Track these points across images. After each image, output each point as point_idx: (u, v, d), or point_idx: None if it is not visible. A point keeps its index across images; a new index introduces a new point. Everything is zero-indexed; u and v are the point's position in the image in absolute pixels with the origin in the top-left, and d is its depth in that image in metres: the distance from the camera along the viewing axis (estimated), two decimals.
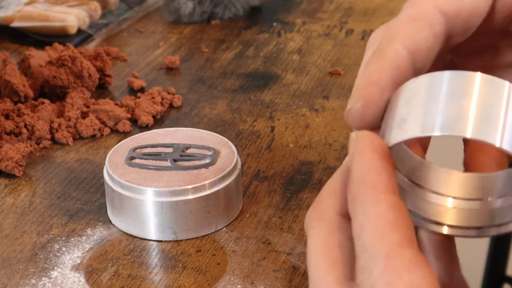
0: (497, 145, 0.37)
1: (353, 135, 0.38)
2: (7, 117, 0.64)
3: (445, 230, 0.39)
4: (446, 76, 0.39)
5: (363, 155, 0.37)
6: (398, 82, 0.40)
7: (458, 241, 0.40)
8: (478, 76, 0.38)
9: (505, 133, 0.37)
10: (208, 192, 0.52)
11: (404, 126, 0.39)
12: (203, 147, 0.55)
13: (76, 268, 0.50)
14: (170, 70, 0.74)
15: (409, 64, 0.40)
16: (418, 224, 0.40)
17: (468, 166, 0.43)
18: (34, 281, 0.49)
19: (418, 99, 0.39)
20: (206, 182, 0.52)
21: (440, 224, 0.40)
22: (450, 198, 0.42)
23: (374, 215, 0.34)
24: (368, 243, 0.33)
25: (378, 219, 0.34)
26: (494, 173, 0.43)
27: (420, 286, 0.32)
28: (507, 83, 0.38)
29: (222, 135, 0.58)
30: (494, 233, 0.40)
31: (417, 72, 0.40)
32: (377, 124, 0.39)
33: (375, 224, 0.34)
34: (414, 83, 0.40)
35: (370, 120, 0.39)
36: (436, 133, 0.38)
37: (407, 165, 0.42)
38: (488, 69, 0.45)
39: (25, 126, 0.64)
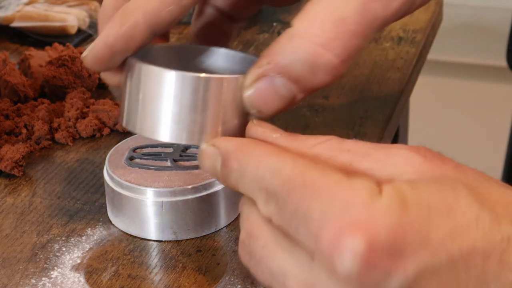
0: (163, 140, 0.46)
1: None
2: (7, 117, 0.64)
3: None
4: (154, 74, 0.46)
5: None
6: (131, 48, 0.46)
7: None
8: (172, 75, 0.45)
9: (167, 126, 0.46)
10: (208, 192, 0.52)
11: (124, 113, 0.47)
12: None
13: (76, 268, 0.50)
14: None
15: (146, 34, 0.46)
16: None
17: None
18: (34, 281, 0.49)
19: (134, 91, 0.47)
20: (206, 182, 0.52)
21: None
22: None
23: None
24: None
25: None
26: None
27: None
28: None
29: None
30: None
31: (154, 34, 0.46)
32: (106, 70, 0.48)
33: None
34: (144, 73, 0.46)
35: (98, 69, 0.48)
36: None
37: None
38: None
39: (25, 126, 0.64)
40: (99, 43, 0.46)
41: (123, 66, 0.48)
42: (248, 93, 0.45)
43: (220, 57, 0.51)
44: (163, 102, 0.46)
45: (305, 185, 0.40)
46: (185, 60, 0.52)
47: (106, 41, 0.46)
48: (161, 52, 0.50)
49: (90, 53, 0.47)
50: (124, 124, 0.48)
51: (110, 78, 0.49)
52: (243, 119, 0.46)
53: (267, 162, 0.42)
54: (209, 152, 0.45)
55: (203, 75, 0.45)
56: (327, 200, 0.39)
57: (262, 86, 0.44)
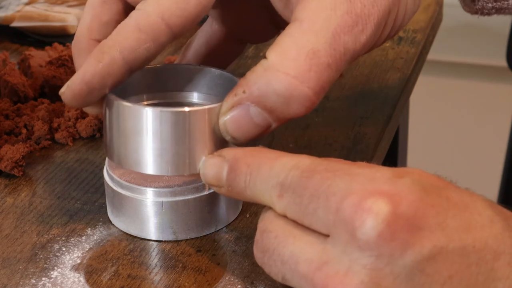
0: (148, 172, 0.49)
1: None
2: (7, 117, 0.64)
3: None
4: (139, 113, 0.47)
5: None
6: (108, 84, 0.47)
7: None
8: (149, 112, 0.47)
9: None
10: (208, 192, 0.52)
11: (107, 146, 0.50)
12: None
13: (76, 268, 0.50)
14: None
15: (123, 70, 0.47)
16: None
17: None
18: (34, 281, 0.49)
19: (115, 129, 0.49)
20: None
21: None
22: None
23: None
24: None
25: None
26: None
27: None
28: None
29: None
30: None
31: (131, 71, 0.47)
32: (85, 106, 0.49)
33: None
34: (123, 111, 0.48)
35: (77, 106, 0.49)
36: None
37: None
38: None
39: (25, 126, 0.64)
40: (76, 80, 0.47)
41: (102, 99, 0.49)
42: (223, 120, 0.47)
43: (198, 75, 0.54)
44: (143, 138, 0.48)
45: (326, 169, 0.41)
46: (164, 81, 0.54)
47: (83, 77, 0.47)
48: (140, 75, 0.52)
49: (68, 90, 0.48)
50: (108, 156, 0.51)
51: (90, 110, 0.50)
52: (224, 145, 0.48)
53: (282, 160, 0.43)
54: (214, 161, 0.46)
55: (179, 109, 0.47)
56: (350, 178, 0.39)
57: (237, 114, 0.46)
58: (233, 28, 0.56)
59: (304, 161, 0.42)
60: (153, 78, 0.54)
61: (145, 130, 0.47)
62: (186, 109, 0.47)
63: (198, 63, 0.56)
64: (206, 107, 0.47)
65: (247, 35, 0.57)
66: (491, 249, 0.38)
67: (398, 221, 0.37)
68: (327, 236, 0.40)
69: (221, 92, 0.52)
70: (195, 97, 0.55)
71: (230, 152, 0.46)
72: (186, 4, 0.46)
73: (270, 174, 0.43)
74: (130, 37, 0.46)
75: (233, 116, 0.46)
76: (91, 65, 0.47)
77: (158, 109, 0.47)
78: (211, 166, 0.47)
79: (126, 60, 0.47)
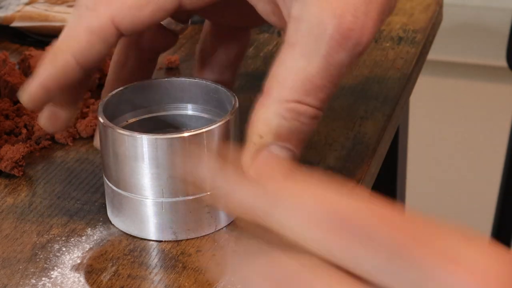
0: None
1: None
2: (6, 117, 0.64)
3: None
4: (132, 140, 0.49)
5: None
6: (64, 86, 0.50)
7: None
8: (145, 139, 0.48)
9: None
10: (208, 192, 0.52)
11: (104, 167, 0.52)
12: None
13: (76, 268, 0.50)
14: (170, 70, 0.74)
15: (76, 73, 0.49)
16: None
17: None
18: (34, 281, 0.49)
19: (114, 155, 0.50)
20: None
21: None
22: None
23: None
24: None
25: None
26: None
27: None
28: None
29: None
30: None
31: (85, 71, 0.50)
32: (42, 107, 0.52)
33: None
34: (118, 138, 0.49)
35: (34, 108, 0.52)
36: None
37: None
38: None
39: (25, 126, 0.63)
40: (33, 84, 0.50)
41: (69, 101, 0.52)
42: (253, 171, 0.45)
43: (194, 89, 0.55)
44: (138, 163, 0.49)
45: None
46: (160, 96, 0.55)
47: (38, 81, 0.50)
48: (131, 92, 0.54)
49: (25, 93, 0.50)
50: (106, 178, 0.52)
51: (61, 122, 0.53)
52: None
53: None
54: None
55: (174, 135, 0.48)
56: None
57: (262, 160, 0.45)
58: (226, 19, 0.57)
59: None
60: (147, 93, 0.55)
61: (139, 156, 0.49)
62: (182, 134, 0.48)
63: (212, 66, 0.58)
64: (200, 131, 0.48)
65: (243, 22, 0.57)
66: None
67: None
68: None
69: (216, 105, 0.54)
70: (190, 110, 0.56)
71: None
72: (138, 11, 0.48)
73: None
74: (82, 40, 0.49)
75: (259, 165, 0.45)
76: (46, 69, 0.50)
77: (154, 136, 0.48)
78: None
79: (79, 62, 0.49)
